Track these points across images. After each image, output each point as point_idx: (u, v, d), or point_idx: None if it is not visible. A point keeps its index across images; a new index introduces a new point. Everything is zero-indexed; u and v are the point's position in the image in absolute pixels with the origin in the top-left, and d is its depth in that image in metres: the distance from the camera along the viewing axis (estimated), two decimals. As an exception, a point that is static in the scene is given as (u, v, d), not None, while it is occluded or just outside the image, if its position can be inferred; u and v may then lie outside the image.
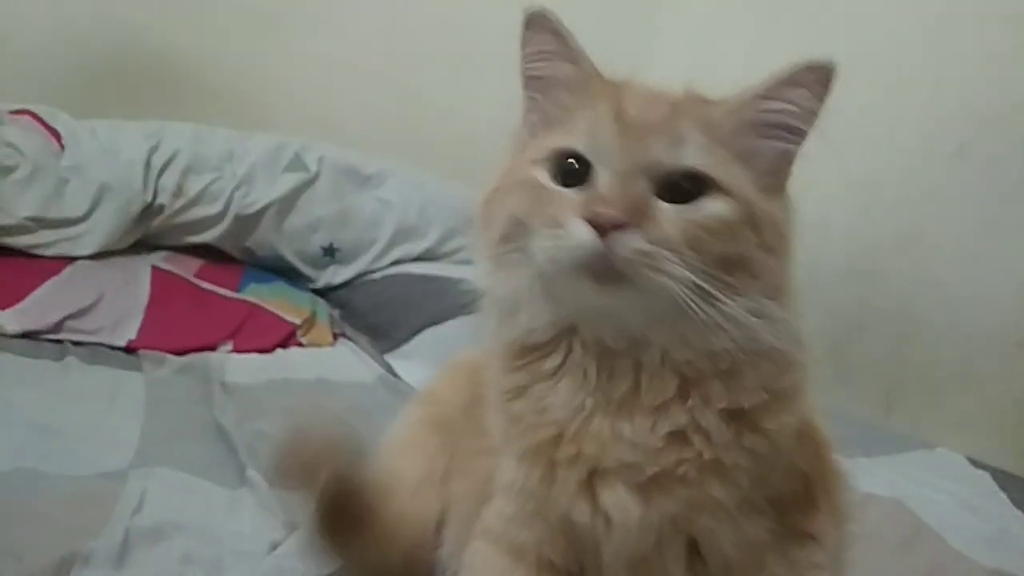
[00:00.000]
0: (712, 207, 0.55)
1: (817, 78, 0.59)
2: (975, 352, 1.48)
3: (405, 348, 1.68)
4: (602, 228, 0.53)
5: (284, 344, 1.71)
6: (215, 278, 1.80)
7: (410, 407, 0.92)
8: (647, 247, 0.53)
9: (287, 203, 1.93)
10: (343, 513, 0.74)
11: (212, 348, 1.62)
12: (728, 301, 0.54)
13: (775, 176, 0.60)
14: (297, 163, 1.97)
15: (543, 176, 0.59)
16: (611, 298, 0.55)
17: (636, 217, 0.53)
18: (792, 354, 0.58)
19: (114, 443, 1.08)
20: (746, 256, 0.56)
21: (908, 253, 1.60)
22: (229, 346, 1.64)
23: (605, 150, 0.57)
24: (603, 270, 0.53)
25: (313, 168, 1.97)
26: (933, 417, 1.48)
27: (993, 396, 1.45)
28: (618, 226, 0.53)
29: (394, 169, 2.11)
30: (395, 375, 1.60)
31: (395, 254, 2.04)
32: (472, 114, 2.20)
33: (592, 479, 0.59)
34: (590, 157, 0.57)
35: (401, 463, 0.83)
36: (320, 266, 1.99)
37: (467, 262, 2.10)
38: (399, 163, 2.14)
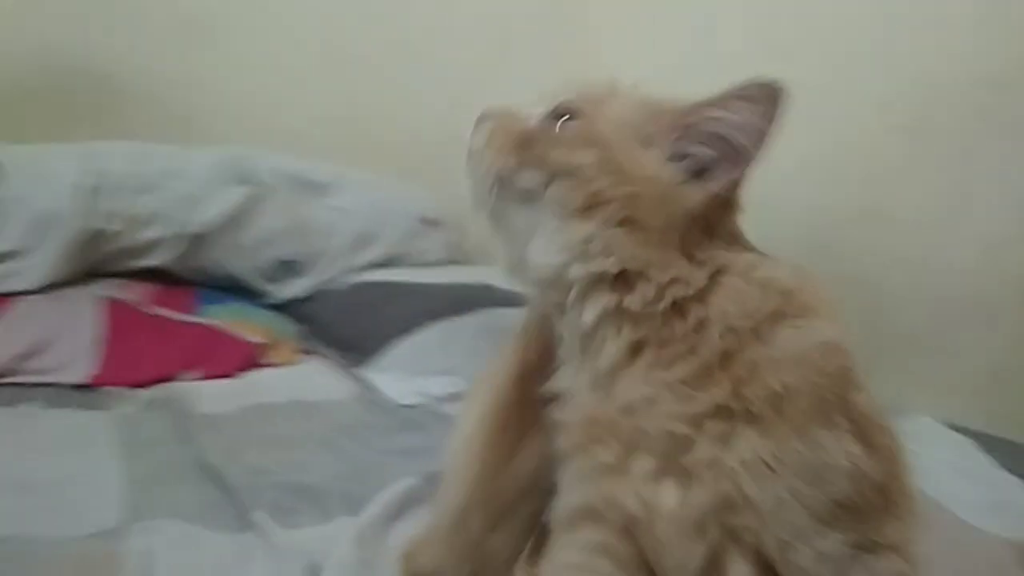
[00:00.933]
0: None
1: (765, 95, 0.61)
2: (945, 321, 1.51)
3: (379, 361, 1.63)
4: None
5: (250, 366, 1.65)
6: (169, 303, 1.72)
7: None
8: None
9: (238, 218, 1.85)
10: None
11: (175, 377, 1.55)
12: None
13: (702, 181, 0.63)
14: (245, 176, 1.88)
15: None
16: None
17: None
18: None
19: (98, 495, 1.01)
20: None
21: (871, 227, 1.62)
22: (192, 373, 1.57)
23: None
24: None
25: (263, 180, 1.90)
26: (907, 387, 1.51)
27: (966, 363, 1.48)
28: None
29: (346, 175, 2.05)
30: (371, 388, 1.56)
31: (354, 263, 1.98)
32: (419, 113, 2.16)
33: (624, 454, 0.61)
34: None
35: None
36: (277, 281, 1.91)
37: (430, 264, 2.07)
38: (350, 169, 2.08)
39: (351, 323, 1.76)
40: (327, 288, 1.91)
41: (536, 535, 0.70)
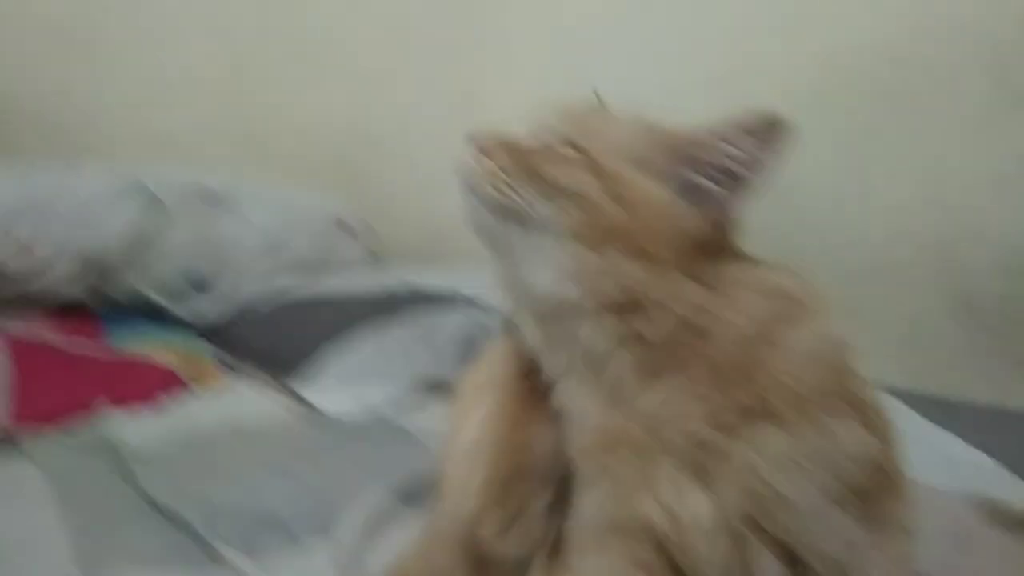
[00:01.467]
0: None
1: (769, 130, 0.63)
2: (858, 288, 1.59)
3: (309, 372, 1.58)
4: None
5: (169, 392, 1.56)
6: (76, 333, 1.61)
7: None
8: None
9: (138, 237, 1.76)
10: None
11: (89, 409, 1.45)
12: None
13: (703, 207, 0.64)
14: (140, 192, 1.79)
15: None
16: None
17: None
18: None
19: (44, 550, 0.93)
20: None
21: (781, 199, 1.68)
22: (111, 405, 1.48)
23: None
24: None
25: (159, 195, 1.80)
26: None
27: (882, 327, 1.56)
28: None
29: (249, 184, 1.98)
30: (305, 404, 1.51)
31: (267, 274, 1.91)
32: (320, 118, 2.10)
33: (640, 460, 0.61)
34: None
35: None
36: (188, 300, 1.83)
37: (347, 268, 2.02)
38: (250, 178, 2.00)
39: (272, 337, 1.70)
40: (243, 304, 1.84)
41: (551, 537, 0.69)
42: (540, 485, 0.70)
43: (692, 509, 0.59)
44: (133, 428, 1.35)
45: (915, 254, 1.53)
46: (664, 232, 0.63)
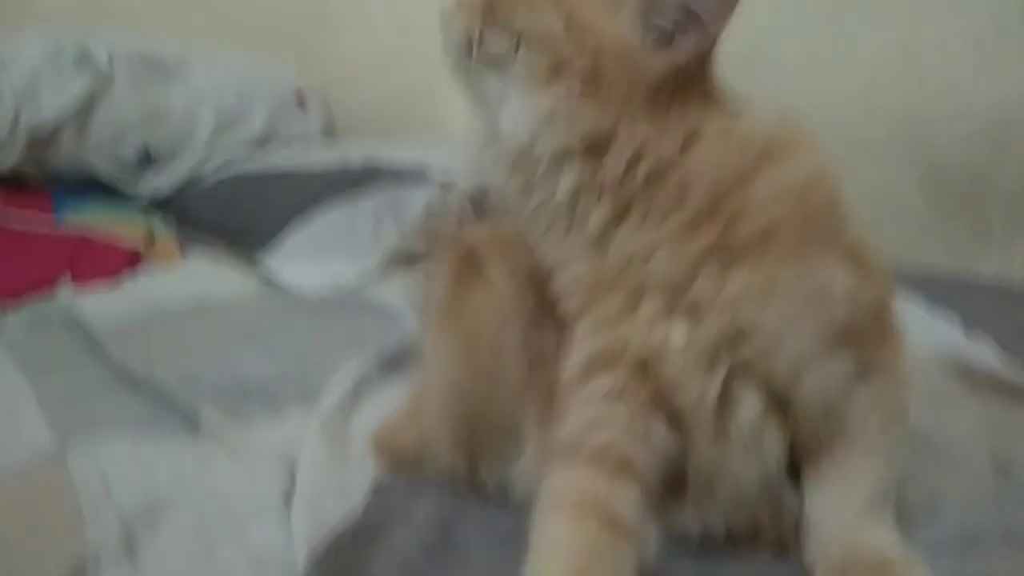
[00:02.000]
0: None
1: None
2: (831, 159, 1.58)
3: (275, 249, 1.54)
4: None
5: (129, 270, 1.52)
6: (22, 207, 1.54)
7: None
8: None
9: (85, 111, 1.66)
10: None
11: (49, 288, 1.41)
12: None
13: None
14: (85, 61, 1.68)
15: None
16: None
17: None
18: None
19: (15, 423, 0.91)
20: None
21: (754, 72, 1.65)
22: (68, 282, 1.43)
23: None
24: None
25: (104, 64, 1.70)
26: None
27: (847, 192, 1.57)
28: None
29: (197, 51, 1.87)
30: (273, 280, 1.48)
31: (222, 147, 1.83)
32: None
33: (631, 300, 0.62)
34: None
35: None
36: (139, 175, 1.75)
37: (305, 142, 1.95)
38: (202, 47, 1.90)
39: (235, 213, 1.65)
40: (200, 178, 1.77)
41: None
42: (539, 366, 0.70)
43: (674, 338, 0.61)
44: (97, 304, 1.32)
45: (887, 126, 1.53)
46: (624, 72, 0.61)
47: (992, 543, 0.64)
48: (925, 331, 1.14)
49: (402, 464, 0.81)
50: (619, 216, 0.63)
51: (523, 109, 0.63)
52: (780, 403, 0.62)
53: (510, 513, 0.69)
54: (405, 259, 1.56)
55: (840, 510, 0.64)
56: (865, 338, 0.63)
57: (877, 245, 0.67)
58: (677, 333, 0.61)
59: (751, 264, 0.59)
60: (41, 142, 1.60)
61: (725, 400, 0.61)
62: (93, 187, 1.68)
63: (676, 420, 0.63)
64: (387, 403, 0.92)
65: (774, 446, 0.63)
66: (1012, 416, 0.88)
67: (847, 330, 0.62)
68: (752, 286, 0.59)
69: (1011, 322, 1.17)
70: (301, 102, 1.99)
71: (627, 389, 0.62)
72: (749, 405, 0.62)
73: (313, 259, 1.50)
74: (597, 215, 0.63)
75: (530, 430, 0.71)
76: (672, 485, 0.66)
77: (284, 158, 1.79)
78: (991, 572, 0.60)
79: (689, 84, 0.64)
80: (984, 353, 1.05)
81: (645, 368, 0.62)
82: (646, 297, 0.62)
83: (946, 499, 0.71)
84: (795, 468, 0.67)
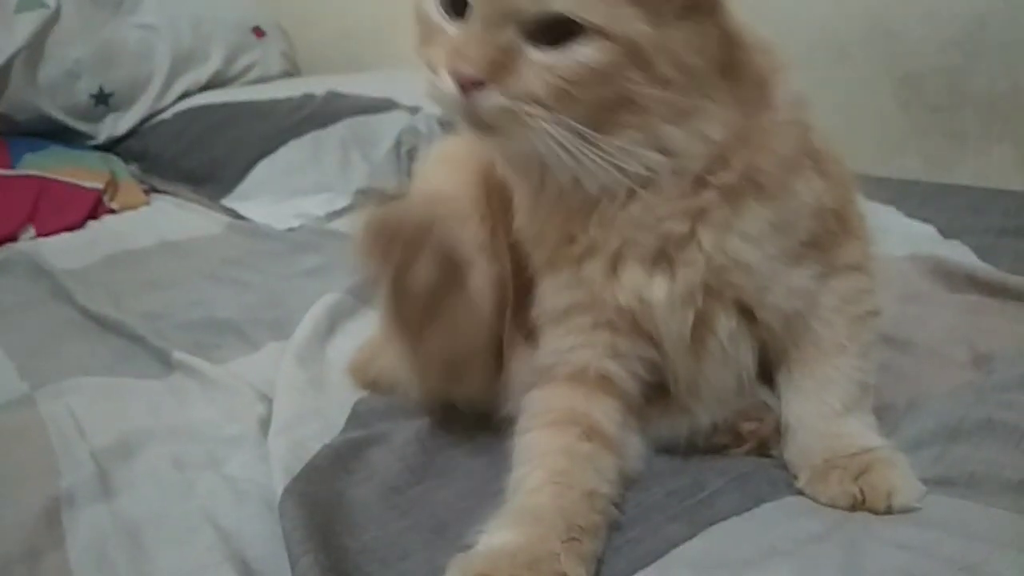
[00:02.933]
0: (581, 53, 0.53)
1: None
2: (798, 62, 1.54)
3: (242, 188, 1.51)
4: (463, 85, 0.53)
5: (93, 215, 1.48)
6: (-19, 161, 1.49)
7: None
8: (506, 103, 0.53)
9: (33, 50, 1.61)
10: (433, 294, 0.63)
11: (12, 238, 1.37)
12: (608, 143, 0.54)
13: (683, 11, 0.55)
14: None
15: (432, 7, 0.57)
16: (492, 144, 0.58)
17: (495, 73, 0.53)
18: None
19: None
20: (632, 93, 0.54)
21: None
22: (31, 231, 1.40)
23: None
24: (474, 121, 0.55)
25: (51, 1, 1.63)
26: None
27: (820, 102, 1.53)
28: (476, 83, 0.53)
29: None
30: (241, 218, 1.45)
31: (180, 86, 1.78)
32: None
33: (610, 265, 0.60)
34: None
35: None
36: (95, 118, 1.70)
37: (265, 79, 1.89)
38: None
39: (197, 153, 1.61)
40: (158, 119, 1.72)
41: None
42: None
43: (653, 292, 0.60)
44: (58, 249, 1.29)
45: (860, 32, 1.49)
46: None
47: (972, 432, 0.63)
48: (903, 233, 1.14)
49: (378, 390, 0.80)
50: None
51: None
52: (747, 314, 0.62)
53: (491, 432, 0.68)
54: (377, 196, 1.53)
55: (817, 409, 0.63)
56: (827, 240, 0.63)
57: (839, 148, 0.66)
58: (658, 289, 0.60)
59: (759, 202, 0.59)
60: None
61: (700, 322, 0.61)
62: (51, 138, 1.62)
63: (653, 340, 0.63)
64: (362, 330, 0.91)
65: (746, 355, 0.64)
66: (989, 311, 0.87)
67: (812, 242, 0.62)
68: (751, 225, 0.59)
69: (986, 227, 1.16)
70: (260, 38, 1.92)
71: (608, 322, 0.62)
72: (723, 324, 0.62)
73: (280, 197, 1.46)
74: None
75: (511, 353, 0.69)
76: (654, 395, 0.66)
77: (247, 93, 1.74)
78: (971, 459, 0.60)
79: None
80: (961, 253, 1.05)
81: (624, 314, 0.61)
82: (626, 262, 0.60)
83: (927, 393, 0.71)
84: (771, 372, 0.67)
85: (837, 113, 1.54)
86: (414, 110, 1.64)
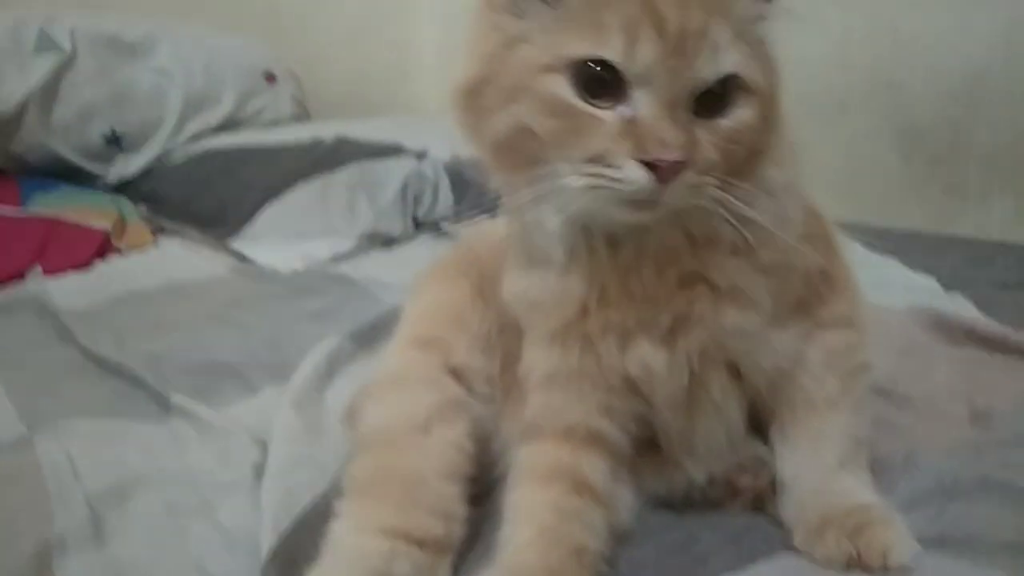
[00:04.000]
0: (742, 114, 0.54)
1: None
2: (800, 115, 1.56)
3: (249, 230, 1.52)
4: (664, 174, 0.50)
5: (100, 255, 1.50)
6: (-8, 199, 1.51)
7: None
8: (697, 180, 0.52)
9: (47, 92, 1.63)
10: None
11: (19, 277, 1.38)
12: (742, 196, 0.54)
13: (763, 40, 0.57)
14: (46, 42, 1.65)
15: (568, 92, 0.52)
16: (643, 217, 0.54)
17: (691, 153, 0.51)
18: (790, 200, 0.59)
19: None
20: (759, 145, 0.56)
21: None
22: (38, 270, 1.41)
23: (649, 68, 0.50)
24: (650, 203, 0.52)
25: (66, 45, 1.66)
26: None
27: (822, 154, 1.56)
28: (678, 167, 0.50)
29: (163, 31, 1.83)
30: (246, 261, 1.46)
31: (191, 129, 1.81)
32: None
33: (622, 341, 0.60)
34: (628, 75, 0.51)
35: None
36: (106, 159, 1.73)
37: (276, 123, 1.92)
38: (166, 23, 1.86)
39: (206, 195, 1.63)
40: (168, 161, 1.74)
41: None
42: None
43: (653, 360, 0.60)
44: (64, 289, 1.29)
45: (862, 84, 1.52)
46: None
47: (970, 491, 0.63)
48: (903, 285, 1.15)
49: None
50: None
51: None
52: (735, 370, 0.63)
53: (489, 482, 0.68)
54: (381, 240, 1.55)
55: (812, 464, 0.63)
56: (814, 302, 0.64)
57: (815, 198, 0.67)
58: (658, 357, 0.60)
59: (727, 277, 0.59)
60: (3, 124, 1.56)
61: (693, 381, 0.62)
62: (61, 178, 1.65)
63: (645, 397, 0.63)
64: (362, 376, 0.91)
65: (735, 410, 0.64)
66: (989, 366, 0.88)
67: (798, 302, 0.63)
68: (735, 300, 0.59)
69: (987, 280, 1.17)
70: (271, 83, 1.96)
71: (597, 384, 0.63)
72: (716, 382, 0.63)
73: (286, 240, 1.48)
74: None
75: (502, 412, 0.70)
76: (645, 449, 0.66)
77: (256, 137, 1.77)
78: (968, 518, 0.60)
79: None
80: (962, 306, 1.05)
81: (624, 379, 0.62)
82: (636, 337, 0.60)
83: (924, 450, 0.71)
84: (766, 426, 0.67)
85: (838, 164, 1.57)
86: (421, 155, 1.67)
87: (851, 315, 0.67)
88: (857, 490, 0.63)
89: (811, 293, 0.64)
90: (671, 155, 0.50)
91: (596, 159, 0.51)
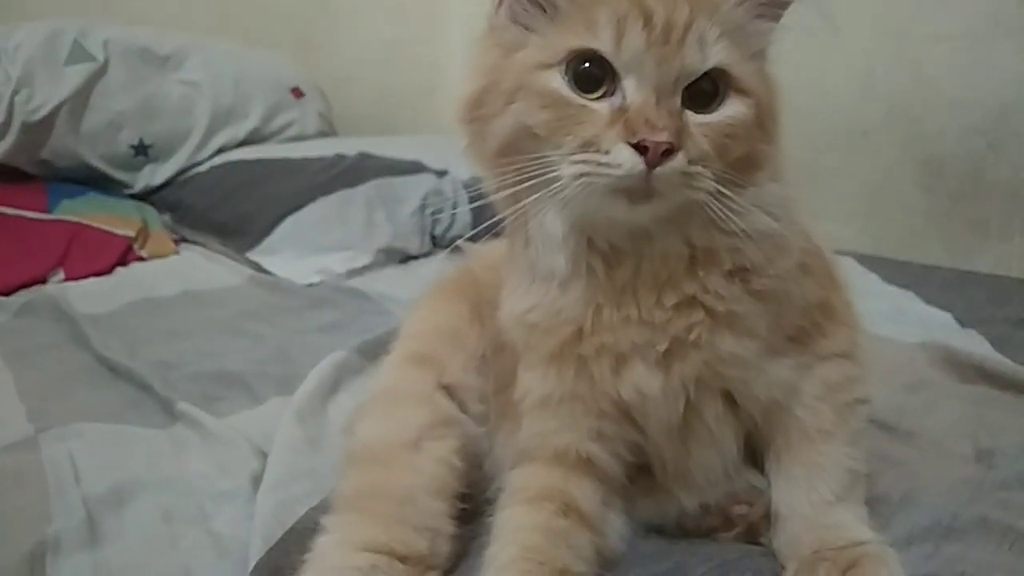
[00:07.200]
0: (734, 110, 0.55)
1: None
2: (821, 145, 1.56)
3: (268, 242, 1.54)
4: (652, 156, 0.51)
5: (122, 262, 1.52)
6: (18, 201, 1.54)
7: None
8: (689, 168, 0.53)
9: (79, 101, 1.67)
10: None
11: (42, 280, 1.41)
12: (739, 200, 0.55)
13: (762, 56, 0.59)
14: (80, 52, 1.68)
15: (561, 84, 0.54)
16: (641, 212, 0.55)
17: (681, 139, 0.52)
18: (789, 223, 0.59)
19: (-2, 412, 0.91)
20: (755, 151, 0.56)
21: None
22: (61, 274, 1.44)
23: (637, 58, 0.53)
24: (641, 190, 0.53)
25: (100, 55, 1.70)
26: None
27: (841, 184, 1.55)
28: (667, 151, 0.51)
29: (194, 45, 1.87)
30: (264, 272, 1.48)
31: (217, 141, 1.84)
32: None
33: (616, 364, 0.60)
34: (617, 65, 0.54)
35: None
36: (133, 168, 1.76)
37: (301, 138, 1.95)
38: (198, 37, 1.90)
39: (228, 206, 1.65)
40: (194, 172, 1.77)
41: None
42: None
43: (648, 385, 0.60)
44: (82, 294, 1.32)
45: (883, 118, 1.51)
46: None
47: (966, 531, 0.62)
48: (917, 319, 1.13)
49: None
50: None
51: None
52: (730, 398, 0.63)
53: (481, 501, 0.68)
54: (398, 256, 1.56)
55: (807, 497, 0.63)
56: (814, 334, 0.63)
57: (822, 243, 0.66)
58: (653, 381, 0.60)
59: (724, 302, 0.59)
60: (35, 130, 1.60)
61: (688, 408, 0.62)
62: (89, 185, 1.68)
63: (638, 424, 0.63)
64: (367, 390, 0.91)
65: (730, 439, 0.64)
66: (997, 404, 0.86)
67: (796, 335, 0.63)
68: (732, 328, 0.59)
69: (1004, 318, 1.15)
70: (298, 97, 1.99)
71: (594, 408, 0.62)
72: (711, 409, 0.62)
73: (304, 253, 1.50)
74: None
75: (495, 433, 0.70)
76: (638, 476, 0.66)
77: (280, 151, 1.79)
78: (963, 559, 0.59)
79: None
80: (975, 343, 1.03)
81: (617, 403, 0.62)
82: (630, 361, 0.60)
83: (924, 488, 0.70)
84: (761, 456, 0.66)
85: (860, 196, 1.56)
86: (441, 173, 1.69)
87: (851, 348, 0.66)
88: (852, 525, 0.62)
89: (811, 325, 0.63)
90: (658, 135, 0.51)
91: (587, 145, 0.53)
